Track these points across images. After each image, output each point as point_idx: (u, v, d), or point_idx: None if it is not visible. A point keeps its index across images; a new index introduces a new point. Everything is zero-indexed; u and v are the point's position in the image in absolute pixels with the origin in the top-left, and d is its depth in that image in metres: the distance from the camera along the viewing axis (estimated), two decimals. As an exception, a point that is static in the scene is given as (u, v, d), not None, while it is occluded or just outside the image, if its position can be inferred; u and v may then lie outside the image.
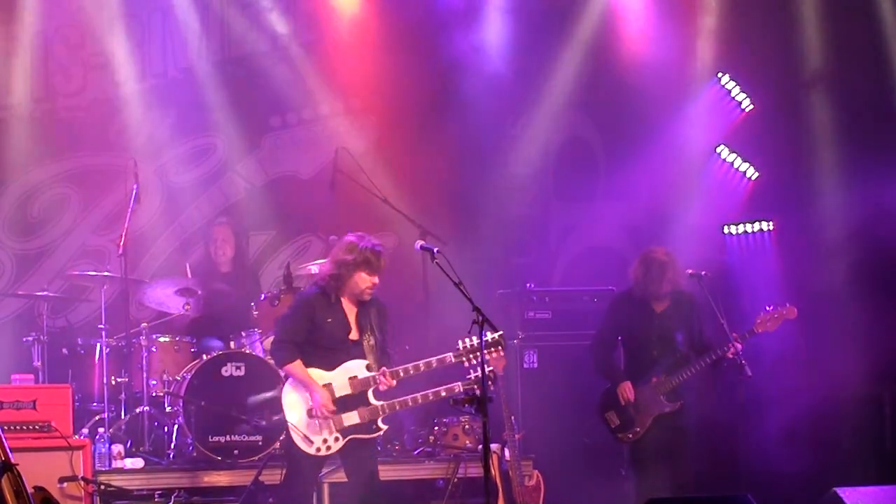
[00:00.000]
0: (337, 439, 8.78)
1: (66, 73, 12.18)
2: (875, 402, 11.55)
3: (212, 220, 11.99)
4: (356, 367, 8.83)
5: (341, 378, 8.81)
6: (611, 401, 10.14)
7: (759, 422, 10.80)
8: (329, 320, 8.84)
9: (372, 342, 8.89)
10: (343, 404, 8.79)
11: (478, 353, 8.51)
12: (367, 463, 8.94)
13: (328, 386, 8.78)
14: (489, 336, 8.58)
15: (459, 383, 8.67)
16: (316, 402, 8.73)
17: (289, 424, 8.80)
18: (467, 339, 8.62)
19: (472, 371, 8.70)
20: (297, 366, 8.81)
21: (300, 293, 9.40)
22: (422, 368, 8.82)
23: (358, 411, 8.78)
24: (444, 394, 8.76)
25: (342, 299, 8.88)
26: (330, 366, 8.82)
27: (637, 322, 10.15)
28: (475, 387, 8.52)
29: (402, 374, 8.81)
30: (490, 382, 8.54)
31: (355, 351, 8.86)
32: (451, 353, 8.71)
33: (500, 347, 8.75)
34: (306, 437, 8.76)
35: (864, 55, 11.99)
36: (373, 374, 8.80)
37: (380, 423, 8.84)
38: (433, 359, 8.80)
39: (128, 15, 12.15)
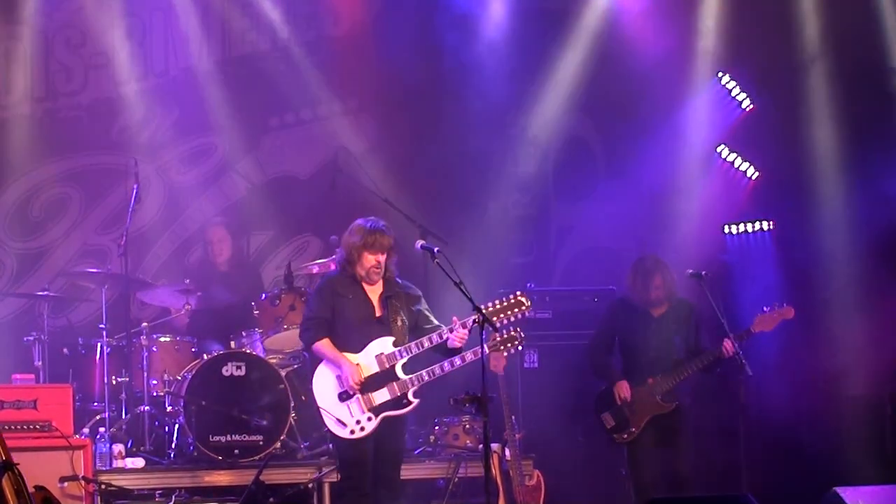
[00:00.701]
0: (370, 419, 8.73)
1: (67, 73, 12.19)
2: (875, 402, 11.55)
3: (207, 222, 11.99)
4: (382, 344, 8.82)
5: (368, 357, 8.80)
6: (607, 402, 10.17)
7: (759, 421, 10.80)
8: (350, 296, 8.85)
9: (400, 323, 8.88)
10: (372, 383, 8.76)
11: (505, 313, 8.71)
12: (395, 441, 8.88)
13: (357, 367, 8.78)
14: (513, 297, 8.72)
15: (486, 345, 8.50)
16: (344, 374, 8.71)
17: (320, 409, 8.76)
18: (491, 303, 8.65)
19: (497, 333, 8.71)
20: (325, 343, 8.82)
21: (323, 276, 9.35)
22: (445, 332, 8.78)
23: (388, 387, 8.76)
24: (470, 357, 8.72)
25: (361, 281, 8.91)
26: (357, 347, 8.81)
27: (636, 326, 10.18)
28: (501, 346, 8.68)
29: (427, 343, 8.80)
30: (516, 343, 8.69)
31: (381, 329, 8.85)
32: (474, 316, 8.48)
33: (523, 307, 8.74)
34: (339, 421, 8.72)
35: (865, 53, 11.98)
36: (399, 348, 8.78)
37: (410, 397, 8.80)
38: (456, 322, 8.74)
39: (129, 14, 12.15)
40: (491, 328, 8.37)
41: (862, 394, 11.55)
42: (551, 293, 11.92)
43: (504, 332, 8.77)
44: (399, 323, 8.88)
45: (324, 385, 8.81)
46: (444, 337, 8.79)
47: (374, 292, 8.93)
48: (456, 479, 10.30)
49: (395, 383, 8.78)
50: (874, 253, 11.63)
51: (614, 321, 10.34)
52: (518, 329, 8.79)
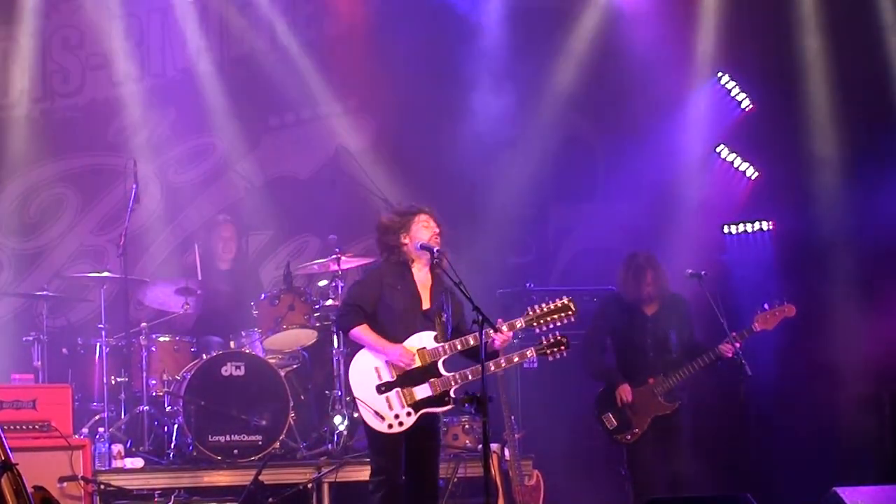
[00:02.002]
0: (409, 414, 8.46)
1: (65, 73, 12.19)
2: (875, 402, 11.55)
3: (215, 218, 11.97)
4: (424, 339, 8.57)
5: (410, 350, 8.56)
6: (607, 402, 10.13)
7: (758, 421, 10.79)
8: (398, 287, 8.60)
9: (444, 319, 8.65)
10: (413, 377, 8.51)
11: (552, 317, 8.55)
12: (430, 448, 8.63)
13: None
14: (559, 301, 8.57)
15: (532, 348, 8.55)
16: (393, 356, 8.46)
17: (357, 401, 8.51)
18: (538, 306, 8.55)
19: (542, 337, 8.60)
20: (364, 329, 8.55)
21: (369, 266, 9.10)
22: (492, 335, 8.44)
23: (430, 383, 8.50)
24: (516, 359, 8.62)
25: (412, 269, 8.68)
26: (399, 338, 8.54)
27: (631, 325, 10.15)
28: (547, 350, 8.56)
29: (472, 341, 8.49)
30: (562, 348, 8.57)
31: (425, 322, 8.62)
32: (521, 318, 8.54)
33: (570, 312, 8.58)
34: (377, 414, 8.45)
35: (864, 53, 11.98)
36: (441, 344, 8.53)
37: (452, 394, 8.53)
38: (504, 324, 8.50)
39: (127, 15, 12.16)
40: (491, 329, 8.29)
41: (862, 393, 11.55)
42: (551, 293, 11.85)
43: (550, 335, 8.60)
44: (444, 318, 8.65)
45: (362, 374, 8.54)
46: (491, 338, 8.40)
47: (425, 285, 8.68)
48: (455, 480, 10.29)
49: (437, 380, 8.52)
50: (874, 252, 11.62)
51: (607, 320, 10.30)
52: (565, 336, 8.60)
